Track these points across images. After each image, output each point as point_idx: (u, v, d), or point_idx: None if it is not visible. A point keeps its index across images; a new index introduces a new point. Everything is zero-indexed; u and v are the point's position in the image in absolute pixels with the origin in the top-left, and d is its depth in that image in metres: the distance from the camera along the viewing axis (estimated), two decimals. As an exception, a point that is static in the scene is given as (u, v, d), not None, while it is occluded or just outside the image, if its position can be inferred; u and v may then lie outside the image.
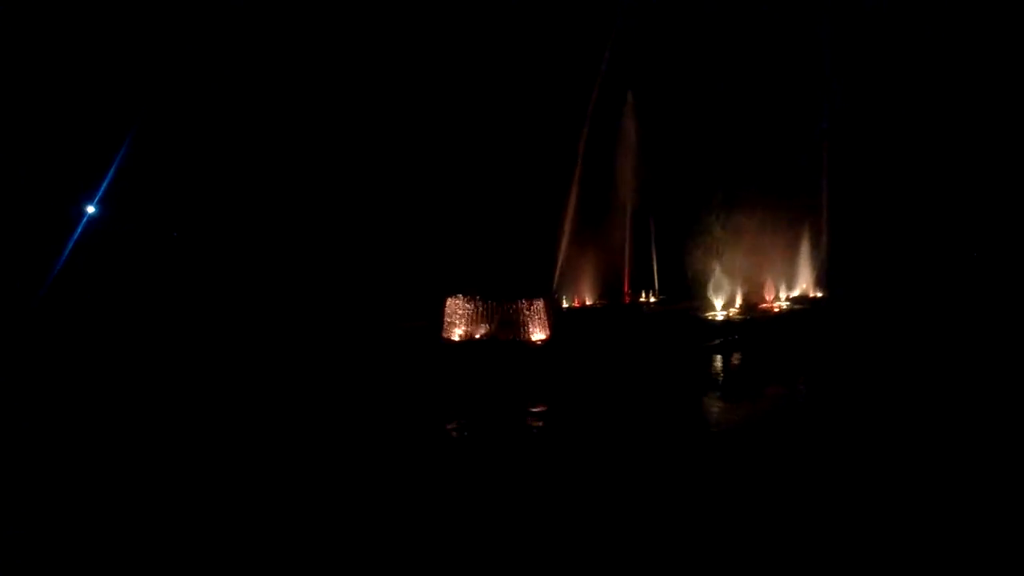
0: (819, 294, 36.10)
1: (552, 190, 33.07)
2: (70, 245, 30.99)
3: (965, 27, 36.07)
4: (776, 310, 32.76)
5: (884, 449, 14.10)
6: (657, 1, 35.57)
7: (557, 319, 25.88)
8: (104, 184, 32.10)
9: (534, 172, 34.47)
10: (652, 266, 36.36)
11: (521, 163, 35.06)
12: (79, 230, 31.59)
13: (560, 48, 35.51)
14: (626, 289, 35.64)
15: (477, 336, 24.57)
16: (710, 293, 31.91)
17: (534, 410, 18.05)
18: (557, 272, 31.58)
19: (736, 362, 25.21)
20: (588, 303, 33.64)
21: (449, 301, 24.94)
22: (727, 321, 29.97)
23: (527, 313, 24.42)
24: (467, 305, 24.68)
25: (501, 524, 10.82)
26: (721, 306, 31.56)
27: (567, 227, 32.06)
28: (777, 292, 34.59)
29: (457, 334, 24.72)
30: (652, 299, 35.45)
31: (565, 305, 32.18)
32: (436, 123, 36.40)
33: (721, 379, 22.97)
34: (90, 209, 32.51)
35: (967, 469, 13.02)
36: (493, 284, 25.59)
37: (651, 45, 35.80)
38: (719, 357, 25.66)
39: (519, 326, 24.41)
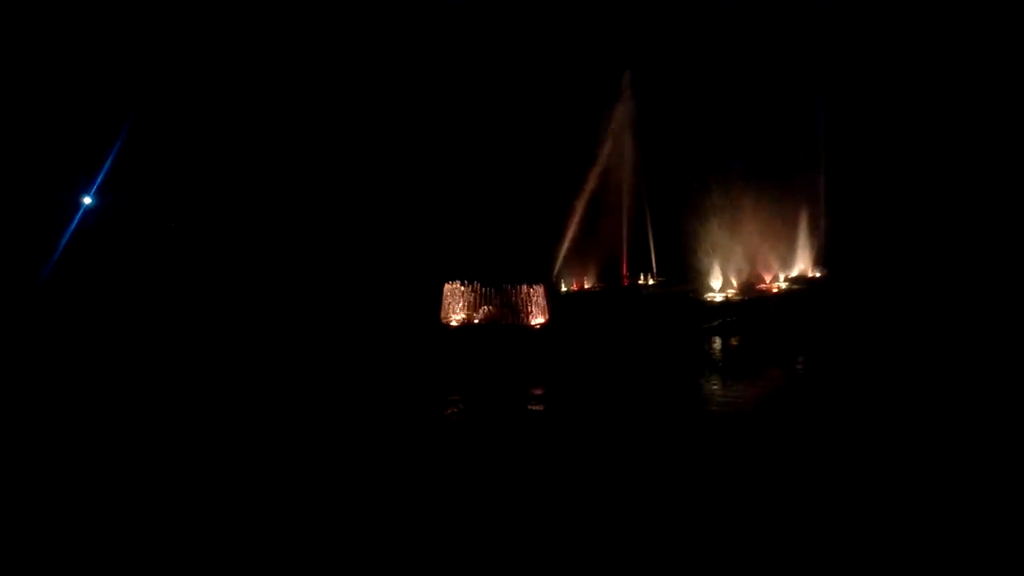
0: (817, 274, 36.05)
1: (554, 177, 33.00)
2: (67, 235, 30.89)
3: (960, 17, 35.89)
4: (775, 291, 32.74)
5: (880, 445, 14.04)
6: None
7: (556, 303, 25.91)
8: (101, 175, 31.95)
9: (536, 159, 34.34)
10: (649, 249, 36.28)
11: (524, 150, 34.90)
12: (76, 220, 31.48)
13: (558, 34, 35.30)
14: (624, 272, 35.60)
15: (476, 321, 24.59)
16: (708, 275, 31.88)
17: (533, 393, 18.14)
18: (558, 261, 31.70)
19: (735, 343, 25.25)
20: (587, 287, 33.59)
21: (447, 288, 25.07)
22: (726, 302, 29.95)
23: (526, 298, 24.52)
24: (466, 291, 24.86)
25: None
26: (720, 287, 31.55)
27: (575, 215, 32.10)
28: (776, 273, 34.53)
29: (455, 319, 24.80)
30: (651, 281, 35.38)
31: (564, 289, 32.15)
32: (440, 113, 36.24)
33: (720, 361, 23.02)
34: (87, 200, 32.38)
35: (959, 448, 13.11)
36: (493, 270, 25.66)
37: (652, 27, 35.55)
38: (718, 338, 25.69)
39: (518, 311, 24.46)
